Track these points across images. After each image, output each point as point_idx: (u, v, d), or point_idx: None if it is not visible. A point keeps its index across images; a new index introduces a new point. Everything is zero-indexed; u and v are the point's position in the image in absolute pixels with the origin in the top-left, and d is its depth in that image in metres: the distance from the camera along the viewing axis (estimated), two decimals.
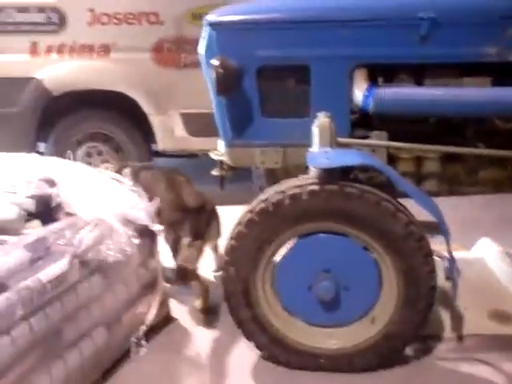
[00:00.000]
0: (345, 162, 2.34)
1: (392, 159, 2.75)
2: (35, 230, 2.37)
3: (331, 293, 2.42)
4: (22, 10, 4.12)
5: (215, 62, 2.66)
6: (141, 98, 4.25)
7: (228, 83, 2.69)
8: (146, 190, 2.77)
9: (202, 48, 2.81)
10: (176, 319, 2.95)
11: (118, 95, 4.21)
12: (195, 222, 2.86)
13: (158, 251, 2.84)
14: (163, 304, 2.86)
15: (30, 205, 2.44)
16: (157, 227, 2.69)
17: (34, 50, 4.16)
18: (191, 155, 4.50)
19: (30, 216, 2.48)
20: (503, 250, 3.38)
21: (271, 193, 2.42)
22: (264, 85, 2.76)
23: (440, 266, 2.42)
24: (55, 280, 2.19)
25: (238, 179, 3.20)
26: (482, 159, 2.74)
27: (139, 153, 4.34)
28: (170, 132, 4.32)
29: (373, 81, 2.67)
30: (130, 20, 4.13)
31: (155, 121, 4.31)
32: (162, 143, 4.37)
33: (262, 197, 2.43)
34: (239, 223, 2.44)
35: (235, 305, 2.50)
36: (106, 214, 2.47)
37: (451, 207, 2.82)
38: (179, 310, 3.00)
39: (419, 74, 2.69)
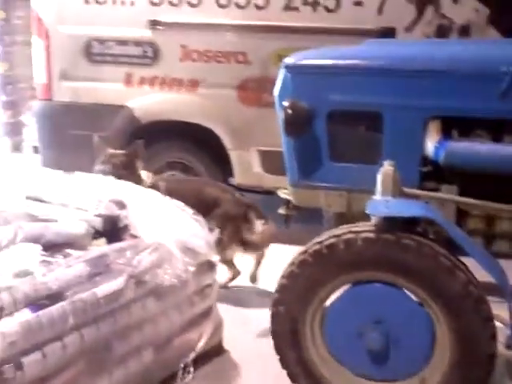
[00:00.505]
0: (403, 213, 2.30)
1: (462, 215, 2.64)
2: (99, 247, 2.51)
3: (380, 345, 2.35)
4: (121, 43, 4.41)
5: (286, 103, 2.74)
6: (223, 132, 4.40)
7: (297, 125, 2.75)
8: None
9: (276, 89, 2.91)
10: (227, 351, 3.00)
11: (201, 128, 4.37)
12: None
13: (216, 281, 2.92)
14: (216, 334, 2.92)
15: (98, 223, 2.59)
16: (215, 258, 2.78)
17: (128, 80, 4.42)
18: (267, 192, 4.58)
19: (98, 234, 2.63)
20: None
21: (327, 236, 2.41)
22: (334, 129, 2.79)
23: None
24: (109, 296, 2.32)
25: (308, 220, 3.25)
26: None
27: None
28: (247, 168, 4.44)
29: (447, 133, 2.61)
30: (219, 58, 4.31)
31: (234, 156, 4.44)
32: (238, 178, 4.49)
33: (318, 239, 2.44)
34: (292, 263, 2.45)
35: (282, 345, 2.49)
36: (166, 239, 2.58)
37: None
38: (232, 343, 3.04)
39: (497, 129, 2.60)
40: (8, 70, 7.03)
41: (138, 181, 3.32)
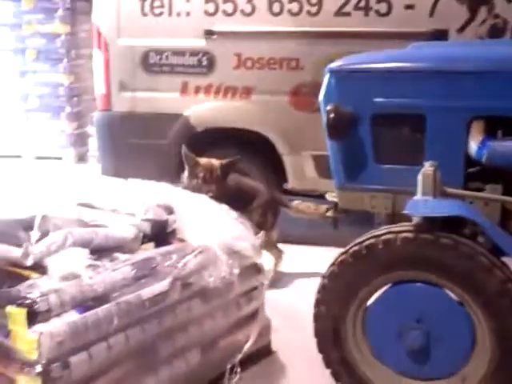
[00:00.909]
0: (440, 212, 2.32)
1: (507, 215, 2.63)
2: (146, 250, 2.60)
3: (421, 343, 2.38)
4: (177, 53, 4.52)
5: (329, 107, 2.77)
6: (276, 138, 4.44)
7: (339, 129, 2.79)
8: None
9: (321, 94, 2.94)
10: (275, 352, 3.04)
11: (255, 134, 4.43)
12: None
13: (264, 283, 2.96)
14: (264, 335, 2.96)
15: (146, 227, 2.67)
16: (261, 260, 2.82)
17: (184, 89, 4.53)
18: (320, 196, 4.59)
19: (147, 238, 2.71)
20: None
21: (367, 236, 2.45)
22: (378, 131, 2.82)
23: None
24: (154, 298, 2.40)
25: (359, 222, 3.25)
26: None
27: (271, 189, 4.51)
28: (300, 172, 4.46)
29: (491, 134, 2.61)
30: (272, 65, 4.36)
31: (288, 160, 4.47)
32: (292, 182, 4.52)
33: (358, 239, 2.47)
34: (333, 263, 2.50)
35: (324, 344, 2.54)
36: (212, 243, 2.64)
37: None
38: (281, 344, 3.08)
39: None
40: (73, 82, 7.32)
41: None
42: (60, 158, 7.60)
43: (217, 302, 2.67)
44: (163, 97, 4.57)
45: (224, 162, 3.68)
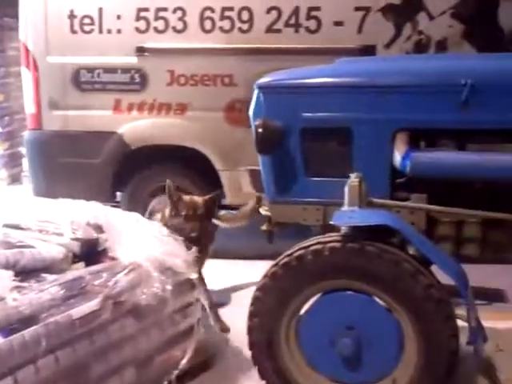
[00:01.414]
0: (365, 222, 2.37)
1: (432, 222, 2.73)
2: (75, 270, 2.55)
3: (352, 350, 2.43)
4: (109, 70, 4.49)
5: (257, 122, 2.80)
6: (212, 154, 4.45)
7: (268, 143, 2.83)
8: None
9: (251, 109, 2.97)
10: (212, 367, 3.02)
11: (191, 151, 4.44)
12: None
13: (198, 299, 2.95)
14: (201, 351, 2.94)
15: (75, 247, 2.63)
16: (193, 276, 2.81)
17: (117, 107, 4.49)
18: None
19: (77, 258, 2.67)
20: None
21: (296, 248, 2.49)
22: (307, 145, 2.87)
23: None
24: (85, 318, 2.35)
25: (296, 235, 3.28)
26: None
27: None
28: (237, 187, 4.48)
29: (414, 144, 2.70)
30: (206, 81, 4.39)
31: (224, 176, 4.49)
32: (230, 197, 4.53)
33: (289, 251, 2.50)
34: (265, 275, 2.52)
35: (259, 356, 2.55)
36: (144, 260, 2.62)
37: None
38: (218, 359, 3.09)
39: (461, 139, 2.69)
40: (4, 101, 7.15)
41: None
42: None
43: (151, 319, 2.64)
44: (95, 114, 4.52)
45: (207, 198, 3.51)
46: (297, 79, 2.93)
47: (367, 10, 4.18)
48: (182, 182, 4.56)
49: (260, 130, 2.78)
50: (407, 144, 2.67)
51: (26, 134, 4.80)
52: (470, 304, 2.33)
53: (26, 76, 4.62)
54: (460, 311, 2.42)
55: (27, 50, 4.56)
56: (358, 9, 4.18)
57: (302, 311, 2.54)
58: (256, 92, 2.93)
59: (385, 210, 2.58)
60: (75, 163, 4.57)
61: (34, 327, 2.20)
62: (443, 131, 2.70)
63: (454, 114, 2.64)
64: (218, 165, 4.48)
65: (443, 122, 2.66)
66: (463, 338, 2.38)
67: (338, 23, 4.22)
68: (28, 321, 2.21)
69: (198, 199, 3.51)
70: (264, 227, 3.19)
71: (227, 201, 4.58)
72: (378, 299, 2.41)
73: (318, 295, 2.51)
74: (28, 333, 2.18)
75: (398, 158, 2.66)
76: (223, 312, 3.56)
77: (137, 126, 4.50)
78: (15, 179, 7.35)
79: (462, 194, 2.69)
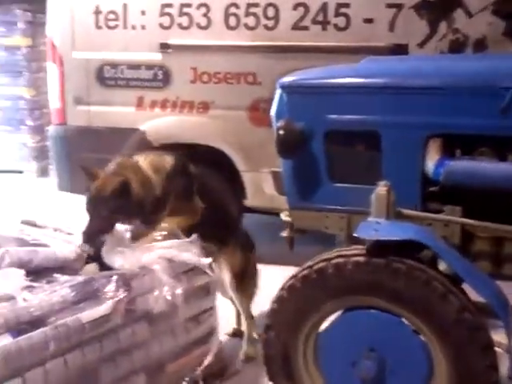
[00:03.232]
0: (392, 236, 2.22)
1: (468, 237, 2.51)
2: (87, 273, 2.50)
3: (375, 374, 2.26)
4: (133, 67, 4.45)
5: (279, 123, 2.70)
6: (234, 154, 4.37)
7: (289, 146, 2.69)
8: None
9: (273, 110, 2.87)
10: (228, 376, 2.96)
11: (213, 150, 4.36)
12: None
13: (215, 307, 2.87)
14: (216, 359, 2.87)
15: (88, 248, 2.58)
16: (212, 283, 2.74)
17: (140, 103, 4.45)
18: (278, 213, 4.53)
19: (90, 259, 2.62)
20: None
21: (317, 260, 2.35)
22: (331, 149, 2.72)
23: None
24: (95, 321, 2.30)
25: (319, 241, 3.19)
26: None
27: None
28: (259, 189, 4.39)
29: (448, 152, 2.52)
30: (229, 79, 4.31)
31: (247, 177, 4.41)
32: (251, 199, 4.45)
33: (309, 263, 2.38)
34: (282, 287, 2.39)
35: (274, 372, 2.43)
36: (156, 265, 2.55)
37: None
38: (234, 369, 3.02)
39: (501, 147, 2.48)
40: (35, 95, 7.19)
41: None
42: (21, 172, 7.47)
43: (162, 326, 2.58)
44: (118, 111, 4.48)
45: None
46: (322, 79, 2.80)
47: (399, 6, 4.02)
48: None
49: (281, 132, 2.67)
50: (441, 151, 2.49)
51: (51, 129, 4.80)
52: (510, 330, 2.14)
53: (52, 71, 4.60)
54: (497, 336, 2.23)
55: (54, 46, 4.55)
56: (389, 5, 4.03)
57: (322, 328, 2.40)
58: (278, 92, 2.83)
59: (414, 222, 2.41)
60: (98, 158, 4.51)
61: (43, 329, 2.16)
62: (481, 138, 2.49)
63: (493, 120, 2.43)
64: (240, 165, 4.40)
65: (481, 127, 2.46)
66: (503, 370, 2.18)
67: (368, 20, 4.08)
68: (37, 322, 2.17)
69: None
70: (285, 233, 3.08)
71: (249, 203, 4.51)
72: (404, 320, 2.25)
73: (339, 312, 2.37)
74: (37, 335, 2.14)
75: (430, 165, 2.48)
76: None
77: (159, 124, 4.45)
78: (44, 172, 7.42)
79: (501, 206, 2.46)
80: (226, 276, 3.23)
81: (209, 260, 2.74)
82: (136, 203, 2.67)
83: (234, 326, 3.43)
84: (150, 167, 2.85)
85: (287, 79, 2.85)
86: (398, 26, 4.03)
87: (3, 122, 7.40)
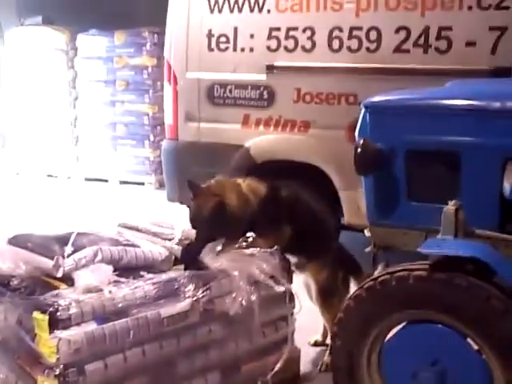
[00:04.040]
0: (453, 252, 2.27)
1: None
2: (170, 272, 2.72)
3: None
4: (240, 86, 4.70)
5: (358, 142, 2.80)
6: (333, 172, 4.48)
7: (365, 164, 2.79)
8: None
9: (357, 129, 2.98)
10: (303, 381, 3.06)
11: (312, 168, 4.50)
12: None
13: (292, 316, 2.99)
14: (291, 365, 2.99)
15: (177, 251, 2.81)
16: (289, 290, 2.87)
17: (245, 121, 4.68)
18: None
19: (179, 261, 2.84)
20: None
21: (383, 272, 2.45)
22: (411, 168, 2.79)
23: None
24: (173, 317, 2.51)
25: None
26: None
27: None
28: (356, 207, 4.45)
29: None
30: (330, 100, 4.44)
31: (344, 195, 4.49)
32: (348, 217, 4.53)
33: (375, 275, 2.47)
34: (349, 297, 2.50)
35: (340, 379, 2.52)
36: (235, 270, 2.73)
37: None
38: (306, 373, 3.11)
39: None
40: (157, 112, 7.67)
41: None
42: (142, 184, 7.99)
43: (238, 328, 2.75)
44: (226, 128, 4.74)
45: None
46: (404, 100, 2.89)
47: (503, 29, 3.99)
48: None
49: (359, 150, 2.78)
50: None
51: (164, 143, 5.17)
52: None
53: (168, 90, 4.97)
54: None
55: (170, 66, 4.91)
56: (492, 28, 4.01)
57: (387, 338, 2.47)
58: (362, 111, 2.94)
59: (482, 241, 2.43)
60: (206, 172, 4.80)
61: (125, 319, 2.40)
62: None
63: None
64: (338, 183, 4.50)
65: None
66: None
67: (470, 43, 4.07)
68: (120, 313, 2.41)
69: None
70: (368, 249, 3.17)
71: (345, 220, 4.59)
72: (468, 337, 2.28)
73: (403, 324, 2.43)
74: (119, 324, 2.38)
75: (507, 187, 2.51)
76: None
77: (262, 141, 4.66)
78: (162, 184, 7.87)
79: None
80: (313, 288, 3.34)
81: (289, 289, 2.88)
82: (233, 220, 2.93)
83: (318, 337, 3.53)
84: (248, 189, 3.11)
85: (371, 100, 2.95)
86: (500, 48, 3.98)
87: (129, 136, 7.97)
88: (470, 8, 4.06)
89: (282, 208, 3.23)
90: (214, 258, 2.78)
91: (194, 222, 2.96)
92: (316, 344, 3.48)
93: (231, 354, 2.74)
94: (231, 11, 4.66)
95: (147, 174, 7.97)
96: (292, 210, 3.26)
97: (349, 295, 2.51)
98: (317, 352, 3.36)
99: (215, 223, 2.90)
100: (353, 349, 2.48)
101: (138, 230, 2.96)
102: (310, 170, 4.52)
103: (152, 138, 7.83)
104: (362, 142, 2.79)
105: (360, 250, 3.42)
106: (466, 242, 2.40)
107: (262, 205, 3.11)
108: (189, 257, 2.80)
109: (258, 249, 2.85)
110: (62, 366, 2.25)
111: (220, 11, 4.70)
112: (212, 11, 4.72)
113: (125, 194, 7.66)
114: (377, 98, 2.96)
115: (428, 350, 2.36)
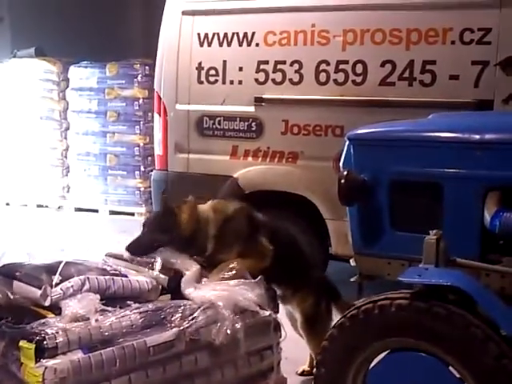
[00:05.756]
0: (432, 281, 2.32)
1: None
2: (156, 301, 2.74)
3: None
4: (229, 118, 4.79)
5: (341, 173, 2.87)
6: (320, 202, 4.55)
7: (348, 195, 2.85)
8: None
9: (341, 160, 3.05)
10: None
11: (300, 198, 4.57)
12: None
13: (277, 345, 3.01)
14: None
15: (163, 281, 2.84)
16: (274, 319, 2.90)
17: (234, 152, 4.77)
18: None
19: (165, 291, 2.87)
20: None
21: (366, 301, 2.47)
22: (394, 199, 2.85)
23: None
24: (160, 346, 2.53)
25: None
26: None
27: (314, 253, 4.57)
28: (343, 237, 4.49)
29: (506, 205, 2.60)
30: (318, 131, 4.53)
31: (331, 225, 4.55)
32: (335, 247, 4.58)
33: (358, 304, 2.50)
34: (334, 326, 2.54)
35: None
36: (219, 300, 2.75)
37: None
38: None
39: None
40: (148, 142, 7.74)
41: None
42: (133, 214, 8.02)
43: (224, 357, 2.75)
44: (215, 159, 4.82)
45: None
46: (387, 132, 2.97)
47: (485, 63, 4.11)
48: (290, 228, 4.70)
49: (342, 181, 2.84)
50: (498, 203, 2.57)
51: (154, 174, 5.23)
52: None
53: (157, 122, 5.05)
54: None
55: (159, 98, 4.99)
56: (475, 63, 4.13)
57: (371, 366, 2.50)
58: (346, 143, 3.01)
59: (463, 271, 2.48)
60: None
61: (111, 348, 2.41)
62: None
63: None
64: (325, 214, 4.56)
65: None
66: None
67: (454, 77, 4.18)
68: (107, 342, 2.42)
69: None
70: (354, 279, 3.20)
71: (333, 250, 4.63)
72: (449, 366, 2.30)
73: (386, 352, 2.46)
74: (105, 352, 2.39)
75: (487, 217, 2.56)
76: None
77: (251, 172, 4.73)
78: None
79: None
80: (298, 318, 3.37)
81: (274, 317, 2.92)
82: (186, 235, 3.08)
83: (306, 367, 3.54)
84: (210, 209, 3.23)
85: (355, 132, 3.02)
86: (483, 82, 4.09)
87: (119, 167, 8.02)
88: (453, 42, 4.19)
89: (260, 228, 3.27)
90: (199, 289, 2.80)
91: (144, 222, 3.20)
92: (303, 374, 3.50)
93: (217, 383, 2.75)
94: (220, 45, 4.77)
95: (137, 205, 8.01)
96: (272, 231, 3.31)
97: (333, 323, 2.54)
98: (304, 382, 3.38)
99: (158, 227, 3.09)
100: (337, 377, 2.50)
101: (123, 259, 2.99)
102: (298, 200, 4.58)
103: (143, 169, 7.89)
104: (346, 173, 2.86)
105: (347, 279, 3.48)
106: (446, 270, 2.44)
107: (228, 221, 3.19)
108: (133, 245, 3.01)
109: (243, 280, 2.87)
110: None
111: (209, 45, 4.81)
112: (202, 44, 4.83)
113: (114, 225, 7.67)
114: (360, 131, 3.04)
115: (412, 378, 2.38)
